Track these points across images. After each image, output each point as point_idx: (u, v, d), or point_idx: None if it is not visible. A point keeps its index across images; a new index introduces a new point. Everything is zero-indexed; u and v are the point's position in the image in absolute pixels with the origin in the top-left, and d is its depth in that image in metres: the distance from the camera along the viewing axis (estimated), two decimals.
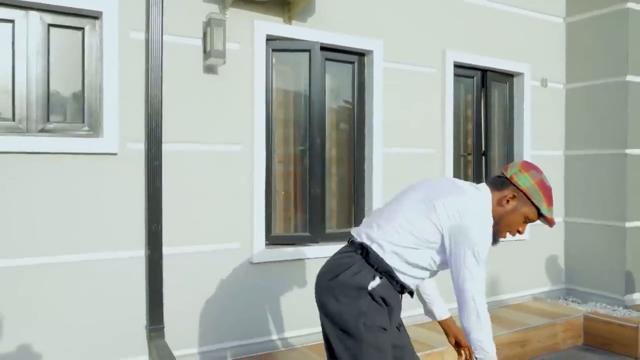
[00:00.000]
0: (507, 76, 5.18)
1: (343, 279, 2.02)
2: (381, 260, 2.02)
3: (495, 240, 2.07)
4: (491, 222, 2.02)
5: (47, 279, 3.02)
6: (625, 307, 4.93)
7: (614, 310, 4.84)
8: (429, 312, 2.44)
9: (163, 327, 3.29)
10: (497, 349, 2.00)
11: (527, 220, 2.09)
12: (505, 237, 2.13)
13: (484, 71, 4.97)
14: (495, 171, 5.17)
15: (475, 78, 4.96)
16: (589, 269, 5.29)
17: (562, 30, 5.47)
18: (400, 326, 2.25)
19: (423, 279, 2.14)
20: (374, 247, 2.04)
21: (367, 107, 4.22)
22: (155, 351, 3.17)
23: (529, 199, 2.06)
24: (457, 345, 2.43)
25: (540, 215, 2.08)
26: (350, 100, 4.26)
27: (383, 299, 2.02)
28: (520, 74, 5.17)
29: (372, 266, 2.02)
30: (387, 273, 2.02)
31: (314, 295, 2.11)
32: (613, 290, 5.06)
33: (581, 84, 5.35)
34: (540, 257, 5.37)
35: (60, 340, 3.06)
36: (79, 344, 3.10)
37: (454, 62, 4.65)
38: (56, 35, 3.14)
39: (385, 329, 2.02)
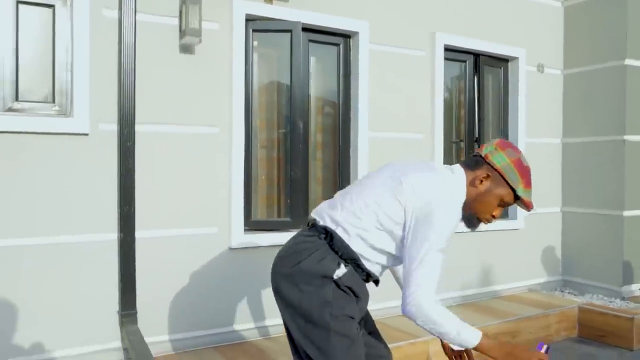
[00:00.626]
0: (502, 61, 5.04)
1: (305, 266, 1.87)
2: (346, 247, 1.88)
3: (472, 224, 1.98)
4: (460, 204, 1.89)
5: (16, 261, 2.95)
6: (623, 298, 4.79)
7: (610, 302, 4.71)
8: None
9: (136, 313, 3.21)
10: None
11: (502, 203, 1.93)
12: (479, 223, 1.99)
13: (477, 55, 4.84)
14: None
15: (467, 62, 4.82)
16: (586, 260, 5.15)
17: (560, 14, 5.32)
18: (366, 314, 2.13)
19: (390, 266, 2.02)
20: (339, 232, 1.90)
21: (353, 91, 4.11)
22: (127, 337, 3.08)
23: (504, 179, 1.91)
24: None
25: (517, 198, 1.93)
26: (336, 83, 4.15)
27: (349, 288, 1.89)
28: (515, 59, 5.03)
29: (337, 252, 1.88)
30: (353, 261, 1.89)
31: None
32: (610, 281, 4.92)
33: (579, 69, 5.20)
34: (537, 247, 5.23)
35: (31, 323, 2.98)
36: (50, 327, 3.03)
37: (445, 45, 4.52)
38: (26, 11, 3.06)
39: (353, 318, 1.90)
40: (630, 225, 4.84)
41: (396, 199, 1.86)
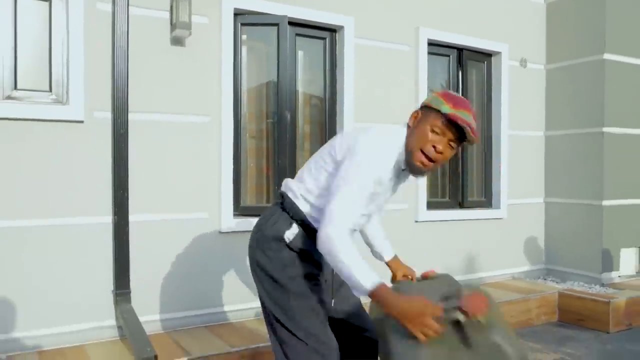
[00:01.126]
0: (485, 55, 5.21)
1: (265, 231, 2.02)
2: (295, 207, 1.99)
3: (412, 168, 1.94)
4: (391, 147, 1.91)
5: (13, 242, 3.10)
6: (602, 285, 4.95)
7: (590, 288, 4.87)
8: (375, 253, 2.40)
9: (129, 292, 3.36)
10: None
11: (434, 128, 1.87)
12: (421, 159, 1.89)
13: (461, 50, 5.01)
14: (473, 150, 5.21)
15: (451, 57, 4.99)
16: (568, 249, 5.31)
17: (542, 11, 5.49)
18: (341, 286, 2.17)
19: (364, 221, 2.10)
20: (289, 194, 2.04)
21: (339, 84, 4.27)
22: (122, 315, 3.24)
23: (431, 107, 1.91)
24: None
25: (446, 118, 1.85)
26: (322, 76, 4.32)
27: (303, 251, 1.98)
28: (498, 54, 5.20)
29: (288, 213, 2.00)
30: (302, 221, 1.99)
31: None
32: (590, 268, 5.08)
33: (561, 64, 5.37)
34: (520, 237, 5.39)
35: (28, 302, 3.14)
36: (46, 306, 3.18)
37: (428, 39, 4.68)
38: (24, 4, 3.21)
39: (312, 280, 2.00)
40: (609, 214, 5.01)
41: (330, 152, 1.98)
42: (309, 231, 1.98)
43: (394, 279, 2.37)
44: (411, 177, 2.08)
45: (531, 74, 5.42)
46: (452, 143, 1.90)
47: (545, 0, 5.49)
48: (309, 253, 2.00)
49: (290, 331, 1.95)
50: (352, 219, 1.79)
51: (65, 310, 3.24)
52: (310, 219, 1.99)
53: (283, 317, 1.96)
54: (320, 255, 1.96)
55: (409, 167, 1.96)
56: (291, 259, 1.98)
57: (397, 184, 2.07)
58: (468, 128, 1.85)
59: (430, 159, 1.89)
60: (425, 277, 2.24)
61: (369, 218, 2.19)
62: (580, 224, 5.18)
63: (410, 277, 2.35)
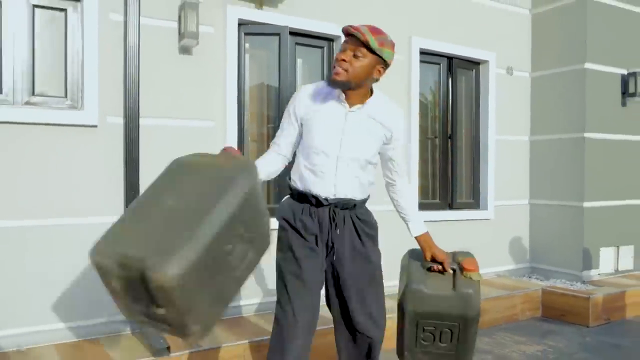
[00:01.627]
0: (474, 64, 5.46)
1: None
2: (288, 181, 2.38)
3: (328, 79, 2.21)
4: (311, 85, 2.32)
5: (29, 240, 3.28)
6: (583, 282, 5.22)
7: (571, 285, 5.14)
8: (410, 229, 2.48)
9: None
10: None
11: (341, 47, 2.19)
12: (332, 70, 2.17)
13: (451, 58, 5.26)
14: (462, 153, 5.46)
15: (441, 65, 5.24)
16: (552, 248, 5.58)
17: (527, 22, 5.76)
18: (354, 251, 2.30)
19: (321, 165, 2.24)
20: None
21: None
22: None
23: None
24: (433, 261, 2.41)
25: (344, 35, 2.17)
26: None
27: (284, 219, 2.30)
28: (486, 62, 5.46)
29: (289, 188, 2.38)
30: (288, 187, 2.36)
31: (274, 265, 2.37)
32: (572, 267, 5.36)
33: (545, 72, 5.64)
34: (507, 237, 5.65)
35: (49, 295, 3.31)
36: (65, 300, 3.36)
37: (420, 48, 4.93)
38: (40, 15, 3.40)
39: (292, 250, 2.24)
40: (589, 215, 5.29)
41: None
42: (291, 193, 2.37)
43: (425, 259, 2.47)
44: (360, 113, 2.26)
45: (517, 81, 5.69)
46: (356, 52, 2.12)
47: (531, 11, 5.76)
48: (287, 221, 2.30)
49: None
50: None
51: (81, 305, 3.41)
52: (291, 180, 2.39)
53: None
54: (297, 221, 2.25)
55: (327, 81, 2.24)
56: (279, 233, 2.33)
57: (340, 113, 2.25)
58: (351, 29, 2.10)
59: (336, 67, 2.14)
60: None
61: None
62: (563, 225, 5.46)
63: (437, 258, 2.42)
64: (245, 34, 4.08)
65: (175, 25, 3.75)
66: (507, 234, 5.66)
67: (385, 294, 2.44)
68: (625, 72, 5.48)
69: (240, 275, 1.63)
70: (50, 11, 3.42)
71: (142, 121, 3.59)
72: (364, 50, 2.11)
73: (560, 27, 5.49)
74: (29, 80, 3.35)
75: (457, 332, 2.33)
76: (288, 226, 2.28)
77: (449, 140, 5.31)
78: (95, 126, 3.48)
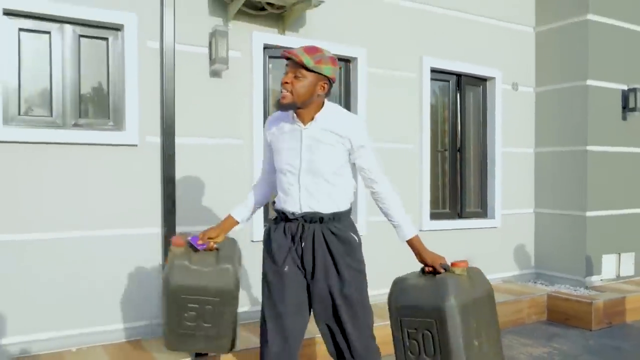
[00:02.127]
0: (481, 80, 5.76)
1: None
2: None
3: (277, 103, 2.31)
4: (277, 113, 2.43)
5: (80, 249, 3.59)
6: (586, 287, 5.49)
7: (575, 290, 5.41)
8: (398, 234, 2.46)
9: None
10: None
11: (285, 71, 2.31)
12: (281, 93, 2.27)
13: (459, 76, 5.56)
14: (470, 165, 5.75)
15: (450, 82, 5.54)
16: (556, 255, 5.86)
17: (531, 40, 6.06)
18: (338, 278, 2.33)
19: (288, 184, 2.36)
20: None
21: (352, 107, 4.80)
22: None
23: None
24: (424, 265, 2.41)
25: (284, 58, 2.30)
26: (338, 100, 4.84)
27: (264, 244, 2.44)
28: (492, 78, 5.75)
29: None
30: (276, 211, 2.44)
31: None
32: (576, 273, 5.63)
33: (549, 87, 5.93)
34: (513, 244, 5.93)
35: (89, 302, 3.62)
36: (105, 307, 3.67)
37: (431, 67, 5.23)
38: (85, 44, 3.71)
39: (266, 274, 2.41)
40: (591, 223, 5.57)
41: None
42: (275, 218, 2.47)
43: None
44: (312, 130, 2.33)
45: (522, 96, 5.98)
46: (297, 74, 2.24)
47: (535, 29, 6.06)
48: (266, 246, 2.46)
49: None
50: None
51: (123, 309, 3.72)
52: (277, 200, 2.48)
53: None
54: (272, 248, 2.39)
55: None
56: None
57: (296, 132, 2.35)
58: (287, 53, 2.25)
59: (282, 90, 2.27)
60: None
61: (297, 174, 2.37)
62: (567, 233, 5.74)
63: (426, 262, 2.39)
64: (269, 57, 4.39)
65: (206, 50, 4.05)
66: (513, 241, 5.94)
67: (375, 302, 2.49)
68: (625, 87, 5.77)
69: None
70: (94, 40, 3.74)
71: (177, 140, 3.89)
72: (303, 70, 2.22)
73: (563, 45, 5.78)
74: (75, 104, 3.66)
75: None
76: (265, 253, 2.44)
77: (458, 153, 5.61)
78: (136, 145, 3.78)
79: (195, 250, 2.44)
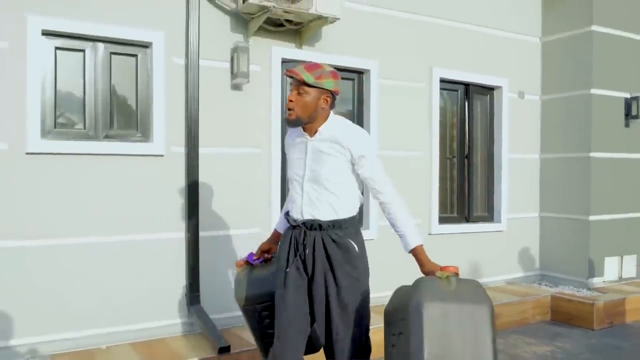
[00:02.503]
0: (488, 89, 5.97)
1: None
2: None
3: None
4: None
5: (109, 253, 3.84)
6: (589, 289, 5.70)
7: (578, 291, 5.61)
8: (402, 244, 2.48)
9: (199, 295, 4.09)
10: None
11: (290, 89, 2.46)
12: (287, 111, 2.44)
13: (467, 85, 5.77)
14: (477, 171, 5.96)
15: (459, 91, 5.76)
16: (560, 257, 6.07)
17: (537, 49, 6.25)
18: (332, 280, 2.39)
19: (294, 192, 2.50)
20: None
21: (365, 116, 5.03)
22: (195, 313, 3.97)
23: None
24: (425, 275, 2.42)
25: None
26: (351, 109, 5.07)
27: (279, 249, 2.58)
28: (499, 87, 5.96)
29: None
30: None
31: None
32: (579, 274, 5.83)
33: (554, 95, 6.13)
34: (518, 247, 6.14)
35: (117, 302, 3.87)
36: (131, 306, 3.92)
37: (440, 77, 5.44)
38: (116, 60, 3.96)
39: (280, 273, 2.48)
40: (594, 227, 5.77)
41: None
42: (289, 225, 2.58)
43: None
44: (316, 141, 2.46)
45: (528, 104, 6.19)
46: (300, 90, 2.39)
47: (541, 39, 6.26)
48: (279, 248, 2.60)
49: None
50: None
51: (146, 311, 3.97)
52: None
53: None
54: (279, 254, 2.55)
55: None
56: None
57: (303, 144, 2.50)
58: (288, 72, 2.40)
59: (288, 108, 2.43)
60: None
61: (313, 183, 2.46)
62: (570, 236, 5.95)
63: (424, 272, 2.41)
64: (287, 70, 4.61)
65: (228, 65, 4.29)
66: (519, 244, 6.15)
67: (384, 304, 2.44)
68: (628, 95, 5.96)
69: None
70: (124, 57, 3.98)
71: (201, 150, 4.13)
72: (305, 87, 2.37)
73: (568, 54, 5.97)
74: (106, 117, 3.91)
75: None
76: (275, 257, 2.64)
77: (466, 159, 5.83)
78: (162, 155, 4.03)
79: (253, 266, 2.76)
